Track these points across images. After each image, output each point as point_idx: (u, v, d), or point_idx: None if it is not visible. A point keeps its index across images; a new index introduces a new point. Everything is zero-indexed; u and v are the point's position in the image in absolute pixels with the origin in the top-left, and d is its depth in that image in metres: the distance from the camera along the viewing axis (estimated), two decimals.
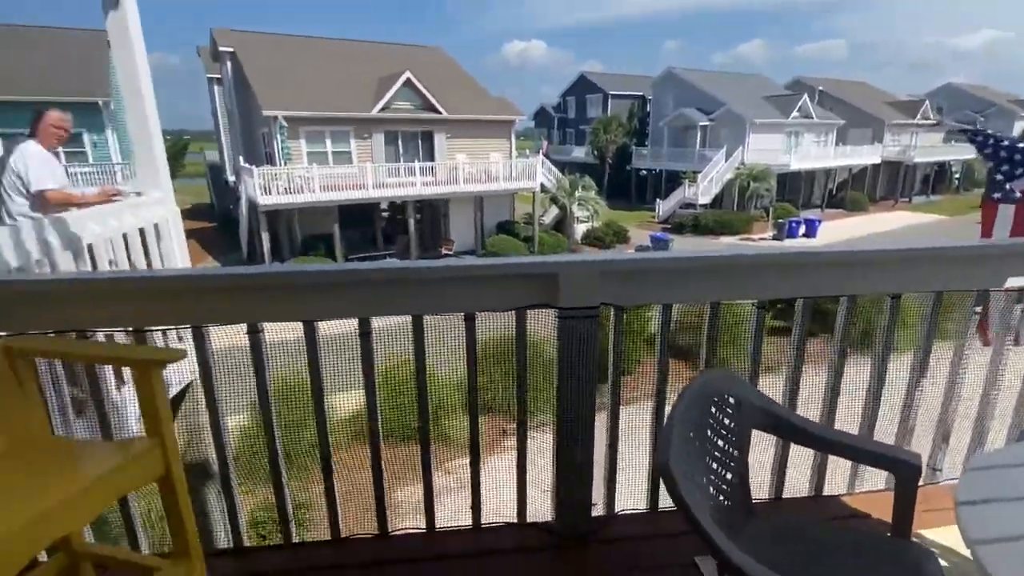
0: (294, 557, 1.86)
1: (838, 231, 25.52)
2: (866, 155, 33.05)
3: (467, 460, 1.95)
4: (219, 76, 24.51)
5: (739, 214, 26.47)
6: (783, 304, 1.86)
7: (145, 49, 3.14)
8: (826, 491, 2.10)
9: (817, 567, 1.30)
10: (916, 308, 2.02)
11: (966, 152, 34.61)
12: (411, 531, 1.93)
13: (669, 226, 27.09)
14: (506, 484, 2.17)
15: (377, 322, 1.74)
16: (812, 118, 31.80)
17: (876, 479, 2.06)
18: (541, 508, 2.06)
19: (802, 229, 25.10)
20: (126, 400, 2.78)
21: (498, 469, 2.47)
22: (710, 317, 1.85)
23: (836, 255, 1.88)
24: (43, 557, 1.56)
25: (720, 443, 1.31)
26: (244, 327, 1.61)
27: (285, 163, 18.45)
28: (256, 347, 1.65)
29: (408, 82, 20.35)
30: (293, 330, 1.72)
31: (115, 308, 1.63)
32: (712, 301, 1.82)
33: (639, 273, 1.79)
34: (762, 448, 1.79)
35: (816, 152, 31.67)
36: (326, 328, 1.71)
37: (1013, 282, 1.92)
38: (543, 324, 1.79)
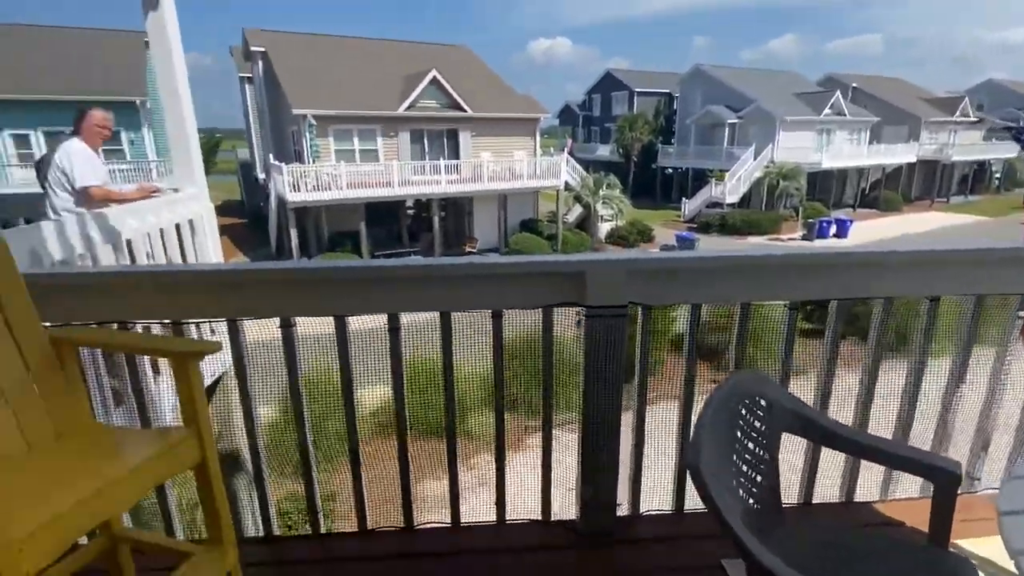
0: (322, 547, 1.89)
1: (870, 232, 24.86)
2: (901, 154, 32.08)
3: (489, 456, 1.96)
4: (250, 75, 25.00)
5: (767, 213, 25.98)
6: (811, 306, 1.83)
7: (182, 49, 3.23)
8: (857, 497, 2.06)
9: (848, 573, 1.28)
10: (955, 311, 1.96)
11: (1008, 150, 33.35)
12: (436, 525, 1.95)
13: (695, 225, 26.73)
14: (529, 482, 2.18)
15: (404, 318, 1.76)
16: (845, 115, 31.01)
17: (910, 486, 2.01)
18: (564, 506, 2.07)
19: (833, 229, 24.51)
20: (161, 390, 2.87)
21: (521, 467, 2.48)
22: (740, 318, 1.82)
23: (871, 256, 1.84)
24: (83, 540, 1.62)
25: (750, 445, 1.30)
26: (277, 321, 1.65)
27: (313, 161, 18.74)
28: (288, 341, 1.69)
29: (434, 80, 20.49)
30: (312, 325, 1.75)
31: (153, 301, 1.68)
32: (742, 302, 1.79)
33: (667, 272, 1.77)
34: (791, 452, 1.77)
35: (849, 150, 30.88)
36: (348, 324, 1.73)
37: None
38: (559, 323, 1.79)
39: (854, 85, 34.85)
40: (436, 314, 1.72)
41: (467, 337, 1.85)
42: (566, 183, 23.00)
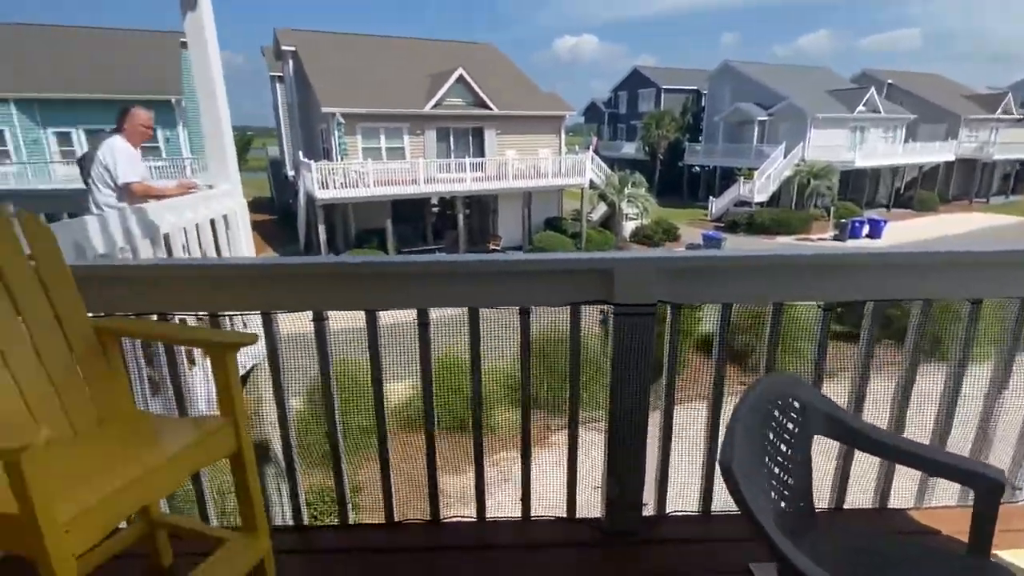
0: (350, 537, 1.92)
1: (905, 233, 24.15)
2: (938, 152, 31.05)
3: (511, 453, 1.97)
4: (281, 75, 25.44)
5: (797, 213, 25.43)
6: (840, 308, 1.79)
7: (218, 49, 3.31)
8: (891, 504, 2.01)
9: None
10: (997, 315, 1.90)
11: None
12: (462, 519, 1.97)
13: (722, 224, 26.32)
14: (552, 479, 2.18)
15: (432, 314, 1.78)
16: (879, 113, 30.17)
17: (947, 494, 1.95)
18: (588, 504, 2.06)
19: (865, 229, 23.85)
20: (195, 381, 2.95)
21: (543, 464, 2.48)
22: (772, 318, 1.80)
23: (909, 256, 1.79)
24: (122, 525, 1.68)
25: (783, 447, 1.28)
26: (309, 314, 1.68)
27: (342, 158, 18.99)
28: (321, 334, 1.72)
29: (461, 79, 20.58)
30: (333, 320, 1.78)
31: (190, 293, 1.73)
32: (775, 301, 1.76)
33: (696, 271, 1.75)
34: (822, 455, 1.73)
35: (883, 149, 30.02)
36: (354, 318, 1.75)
37: None
38: (582, 321, 1.78)
39: (889, 81, 33.87)
40: (460, 310, 1.74)
41: (489, 334, 1.86)
42: (591, 181, 22.87)
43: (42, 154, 19.02)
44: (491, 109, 21.09)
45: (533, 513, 1.99)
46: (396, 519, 1.94)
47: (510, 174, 20.48)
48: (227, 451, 1.40)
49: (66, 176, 17.08)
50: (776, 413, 1.28)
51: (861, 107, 29.28)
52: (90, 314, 1.58)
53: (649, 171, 31.67)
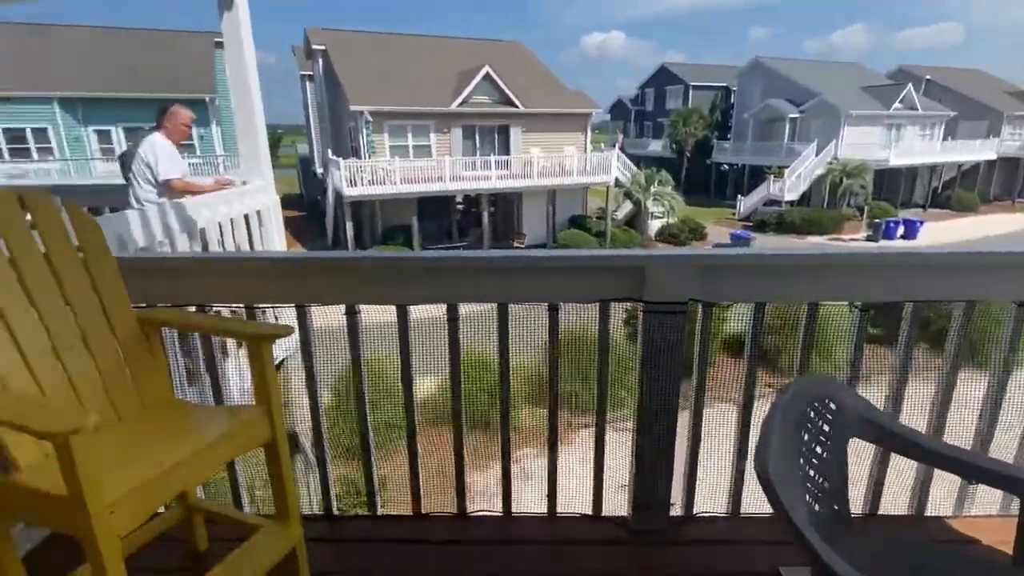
0: (377, 528, 1.95)
1: (943, 234, 23.40)
2: (979, 150, 29.97)
3: (531, 450, 1.97)
4: (311, 73, 25.82)
5: (829, 212, 24.83)
6: (875, 309, 1.74)
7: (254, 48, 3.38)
8: (928, 511, 1.96)
9: None
10: None
11: None
12: (488, 513, 1.98)
13: (751, 224, 25.86)
14: (574, 477, 2.18)
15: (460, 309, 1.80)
16: (917, 110, 29.26)
17: (989, 502, 1.89)
18: (613, 503, 2.05)
19: (900, 230, 23.18)
20: (228, 372, 3.03)
21: (565, 462, 2.47)
22: (807, 319, 1.76)
23: (952, 256, 1.74)
24: (160, 509, 1.73)
25: (818, 449, 1.26)
26: (342, 308, 1.71)
27: (369, 156, 19.21)
28: (353, 328, 1.74)
29: (487, 76, 20.63)
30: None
31: (227, 285, 1.77)
32: (809, 301, 1.73)
33: (729, 269, 1.73)
34: (856, 459, 1.70)
35: (920, 147, 29.10)
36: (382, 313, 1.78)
37: None
38: (589, 313, 1.77)
39: (928, 77, 32.80)
40: (484, 307, 1.74)
41: (512, 331, 1.86)
42: (616, 179, 22.69)
43: (83, 151, 19.71)
44: (517, 107, 21.08)
45: (558, 510, 1.99)
46: (424, 511, 1.96)
47: (535, 172, 20.46)
48: (262, 440, 1.43)
49: (106, 172, 17.68)
50: (811, 414, 1.26)
51: (897, 104, 28.43)
52: (132, 305, 1.64)
53: (676, 169, 31.29)
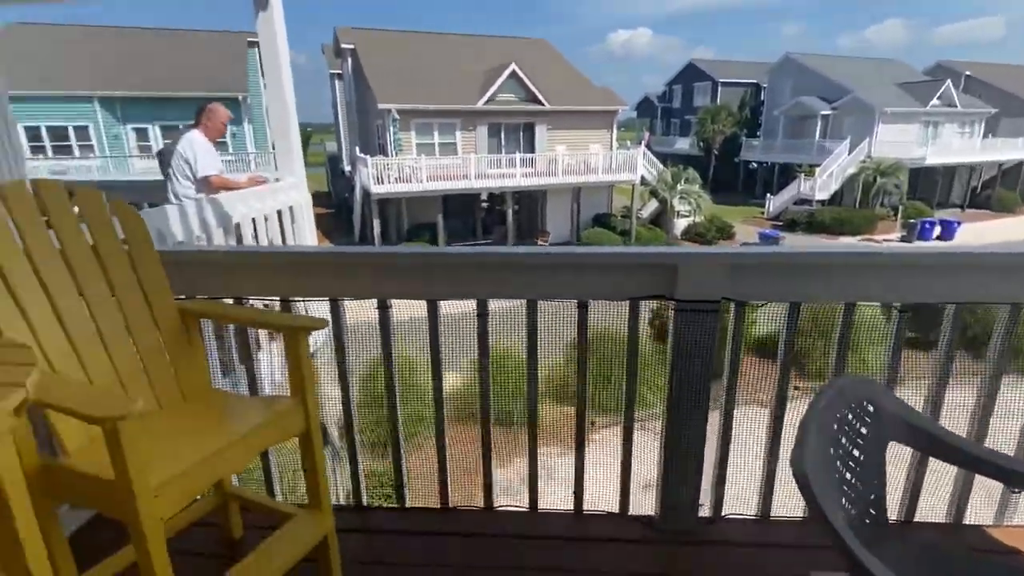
0: (405, 519, 1.98)
1: (982, 235, 22.61)
2: (1021, 148, 28.84)
3: (553, 448, 1.97)
4: (340, 72, 26.15)
5: (861, 212, 24.16)
6: (911, 311, 1.69)
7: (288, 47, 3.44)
8: (968, 519, 1.90)
9: None
10: None
11: None
12: (514, 508, 1.99)
13: (780, 223, 25.33)
14: (596, 475, 2.16)
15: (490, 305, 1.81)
16: (955, 106, 28.28)
17: None
18: (638, 502, 2.04)
19: (936, 231, 22.45)
20: (260, 364, 3.09)
21: (587, 460, 2.47)
22: (843, 320, 1.72)
23: (1000, 257, 1.68)
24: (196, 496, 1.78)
25: (855, 452, 1.23)
26: (374, 302, 1.73)
27: (396, 154, 19.40)
28: (384, 322, 1.77)
29: (513, 74, 20.64)
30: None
31: (263, 279, 1.81)
32: (847, 301, 1.69)
33: (764, 268, 1.70)
34: (892, 463, 1.66)
35: (958, 145, 28.14)
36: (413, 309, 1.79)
37: None
38: (612, 313, 1.76)
39: (967, 73, 31.66)
40: (510, 303, 1.75)
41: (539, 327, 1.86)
42: (642, 177, 22.47)
43: (122, 148, 20.33)
44: (543, 104, 21.04)
45: (583, 508, 1.98)
46: (451, 505, 1.98)
47: (560, 170, 20.40)
48: (297, 430, 1.46)
49: (143, 169, 18.22)
50: (850, 416, 1.23)
51: (935, 101, 27.53)
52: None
53: (703, 167, 30.82)
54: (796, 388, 1.88)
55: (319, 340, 3.31)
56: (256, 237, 3.41)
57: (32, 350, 1.14)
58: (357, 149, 21.33)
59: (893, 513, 1.91)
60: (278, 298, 1.78)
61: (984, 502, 1.93)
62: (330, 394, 2.01)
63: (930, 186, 27.68)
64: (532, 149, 21.34)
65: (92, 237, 1.44)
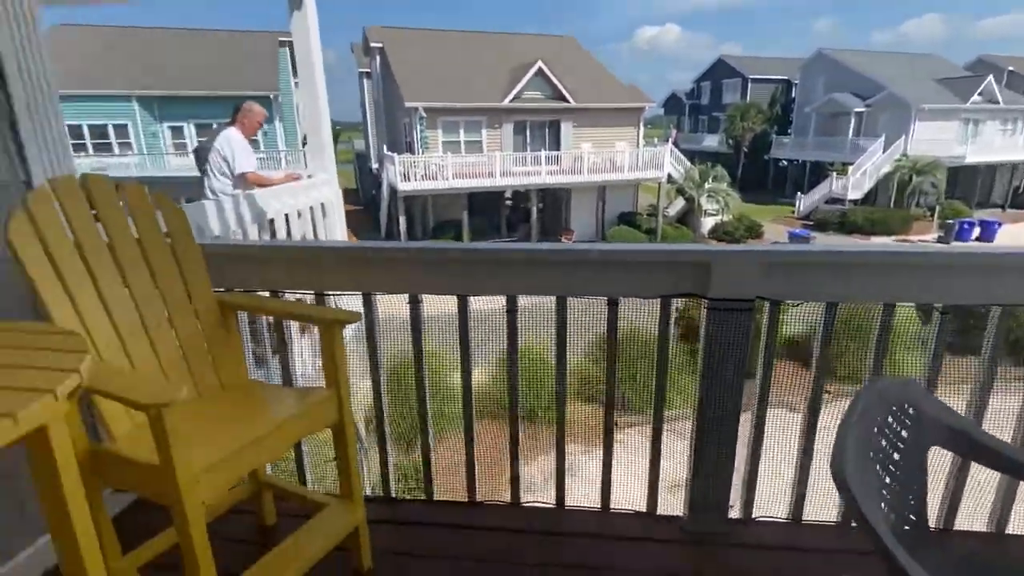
0: (433, 512, 2.00)
1: (1023, 236, 21.76)
2: None
3: (576, 447, 1.96)
4: (368, 70, 26.42)
5: (896, 211, 23.44)
6: (947, 313, 1.64)
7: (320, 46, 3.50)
8: (1011, 529, 1.84)
9: None
10: None
11: None
12: (541, 504, 1.99)
13: (811, 222, 24.75)
14: (621, 474, 2.15)
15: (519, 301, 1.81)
16: (998, 103, 27.24)
17: None
18: (666, 502, 2.02)
19: (975, 232, 21.66)
20: (291, 357, 3.16)
21: (614, 459, 2.46)
22: (881, 321, 1.68)
23: None
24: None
25: (895, 456, 1.20)
26: (406, 297, 1.75)
27: (423, 151, 19.54)
28: (415, 317, 1.79)
29: (540, 72, 20.58)
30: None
31: (297, 273, 1.85)
32: (885, 302, 1.65)
33: (800, 266, 1.67)
34: (932, 471, 1.61)
35: (1000, 143, 27.12)
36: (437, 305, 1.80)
37: None
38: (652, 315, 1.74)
39: (1010, 68, 30.45)
40: (538, 299, 1.75)
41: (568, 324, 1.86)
42: (669, 175, 22.20)
43: (159, 146, 20.92)
44: (569, 102, 20.94)
45: (611, 506, 1.98)
46: (478, 499, 1.99)
47: (585, 168, 20.30)
48: (331, 421, 1.49)
49: (178, 166, 18.72)
50: (890, 419, 1.20)
51: (976, 97, 26.56)
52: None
53: (732, 165, 30.28)
54: (827, 392, 1.85)
55: (347, 334, 3.36)
56: (289, 232, 3.48)
57: (83, 337, 1.18)
58: (385, 147, 21.55)
59: (932, 521, 1.86)
60: (312, 292, 1.81)
61: None
62: (358, 386, 2.04)
63: (970, 185, 26.75)
64: (558, 147, 21.27)
65: (137, 230, 1.49)
